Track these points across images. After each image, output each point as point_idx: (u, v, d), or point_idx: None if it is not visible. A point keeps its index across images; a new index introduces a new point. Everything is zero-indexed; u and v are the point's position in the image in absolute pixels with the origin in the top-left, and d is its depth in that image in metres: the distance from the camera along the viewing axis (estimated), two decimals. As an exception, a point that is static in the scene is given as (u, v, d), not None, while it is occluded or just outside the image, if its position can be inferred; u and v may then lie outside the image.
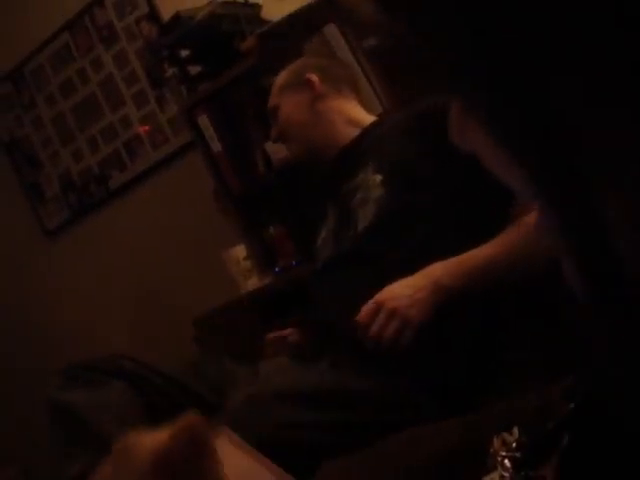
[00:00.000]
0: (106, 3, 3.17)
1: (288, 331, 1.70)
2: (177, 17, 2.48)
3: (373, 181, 1.52)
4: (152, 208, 3.23)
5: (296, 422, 1.28)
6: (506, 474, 0.60)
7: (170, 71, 2.78)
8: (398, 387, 1.34)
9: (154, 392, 1.49)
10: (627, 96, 0.26)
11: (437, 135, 1.39)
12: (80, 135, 3.38)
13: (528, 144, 0.30)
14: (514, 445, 0.61)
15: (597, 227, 0.28)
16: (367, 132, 1.67)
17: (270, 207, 2.65)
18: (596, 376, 0.39)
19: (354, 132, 1.68)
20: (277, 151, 2.42)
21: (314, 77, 1.71)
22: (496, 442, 0.63)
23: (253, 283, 2.57)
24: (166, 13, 2.89)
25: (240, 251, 2.60)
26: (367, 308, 1.33)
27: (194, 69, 2.72)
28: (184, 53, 2.69)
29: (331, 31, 2.30)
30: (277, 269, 2.54)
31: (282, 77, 1.79)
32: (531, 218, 1.31)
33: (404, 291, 1.32)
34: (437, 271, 1.34)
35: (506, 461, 0.60)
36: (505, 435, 0.63)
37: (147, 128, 3.19)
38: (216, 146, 2.57)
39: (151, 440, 0.54)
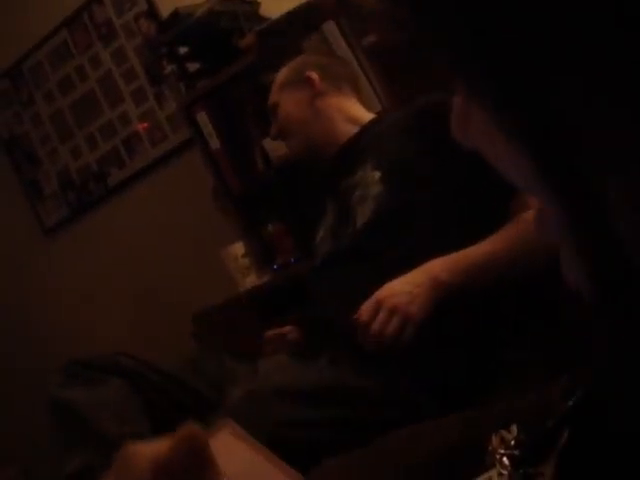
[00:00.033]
0: (105, 0, 3.16)
1: (287, 329, 1.70)
2: (176, 14, 2.48)
3: (372, 178, 1.52)
4: (151, 205, 3.23)
5: (295, 419, 1.28)
6: (504, 472, 0.60)
7: (169, 68, 2.78)
8: (397, 384, 1.34)
9: (152, 389, 1.49)
10: (627, 96, 0.26)
11: (436, 132, 1.40)
12: (79, 132, 3.37)
13: (529, 141, 0.30)
14: (513, 443, 0.61)
15: (598, 210, 0.28)
16: (366, 130, 1.67)
17: (269, 205, 2.65)
18: (596, 375, 0.39)
19: (353, 130, 1.68)
20: (276, 148, 2.42)
21: (314, 75, 1.72)
22: (494, 440, 0.63)
23: (251, 280, 2.57)
24: (165, 10, 2.89)
25: (238, 248, 2.60)
26: (367, 307, 1.32)
27: (193, 66, 2.72)
28: (183, 50, 2.68)
29: (330, 28, 2.30)
30: (275, 266, 2.54)
31: (282, 74, 1.79)
32: (530, 215, 1.31)
33: (403, 288, 1.32)
34: (436, 267, 1.34)
35: (504, 459, 0.60)
36: (504, 433, 0.63)
37: (146, 125, 3.19)
38: (215, 143, 2.57)
39: (151, 450, 0.54)
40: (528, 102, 0.29)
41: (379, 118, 1.73)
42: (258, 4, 2.65)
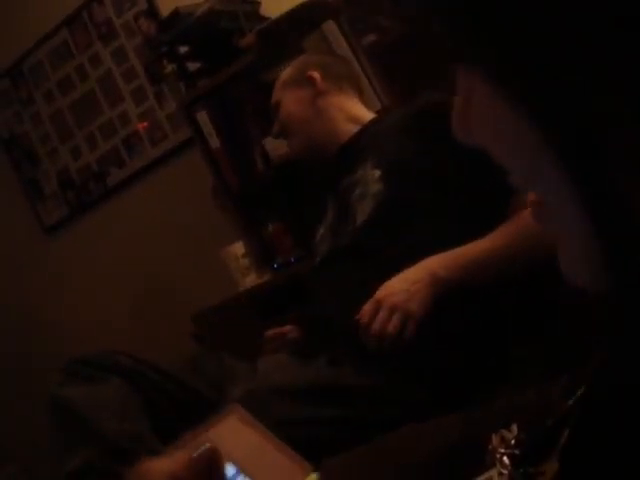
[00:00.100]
0: (105, 0, 3.16)
1: (287, 328, 1.70)
2: (176, 13, 2.48)
3: (372, 176, 1.52)
4: (151, 205, 3.23)
5: (295, 418, 1.28)
6: (504, 471, 0.60)
7: (169, 67, 2.77)
8: (397, 383, 1.34)
9: (152, 388, 1.49)
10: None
11: (435, 132, 1.40)
12: (78, 132, 3.37)
13: (541, 110, 0.30)
14: (513, 442, 0.61)
15: (612, 191, 0.28)
16: (366, 129, 1.67)
17: (269, 204, 2.64)
18: (601, 371, 0.39)
19: (354, 129, 1.69)
20: (276, 148, 2.42)
21: (316, 74, 1.72)
22: (495, 439, 0.63)
23: (251, 280, 2.57)
24: (165, 9, 2.88)
25: (238, 248, 2.60)
26: (367, 307, 1.33)
27: (193, 65, 2.72)
28: (183, 49, 2.68)
29: (330, 28, 2.30)
30: (275, 266, 2.54)
31: (285, 74, 1.80)
32: (529, 212, 1.31)
33: (402, 286, 1.32)
34: (434, 263, 1.34)
35: (505, 458, 0.60)
36: (504, 432, 0.63)
37: (146, 124, 3.18)
38: (215, 142, 2.56)
39: (168, 466, 0.55)
40: (539, 71, 0.29)
41: (379, 117, 1.73)
42: (258, 4, 2.65)
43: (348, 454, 0.95)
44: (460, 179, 1.43)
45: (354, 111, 1.73)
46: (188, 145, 2.98)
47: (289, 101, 1.75)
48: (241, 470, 0.73)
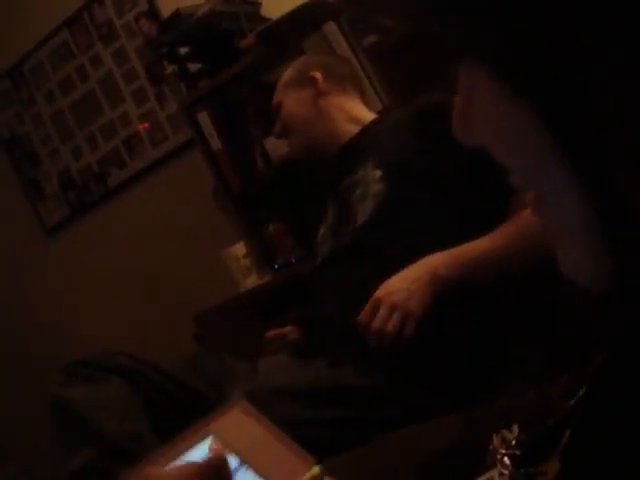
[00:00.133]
0: (106, 1, 3.16)
1: (288, 329, 1.70)
2: (177, 14, 2.48)
3: (372, 176, 1.52)
4: (151, 206, 3.23)
5: (295, 419, 1.28)
6: (505, 472, 0.60)
7: (169, 68, 2.78)
8: (397, 383, 1.34)
9: (152, 388, 1.49)
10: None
11: (436, 132, 1.40)
12: (79, 132, 3.37)
13: (545, 102, 0.30)
14: (514, 442, 0.61)
15: (614, 189, 0.28)
16: (367, 129, 1.67)
17: (269, 205, 2.65)
18: (604, 368, 0.39)
19: (355, 129, 1.69)
20: (277, 148, 2.42)
21: (318, 74, 1.72)
22: (495, 439, 0.63)
23: (252, 281, 2.57)
24: (166, 10, 2.89)
25: (239, 249, 2.60)
26: (367, 307, 1.33)
27: (194, 66, 2.72)
28: (184, 50, 2.68)
29: (331, 29, 2.30)
30: (276, 266, 2.54)
31: (287, 74, 1.80)
32: (529, 212, 1.31)
33: (402, 284, 1.32)
34: (434, 262, 1.34)
35: (505, 459, 0.60)
36: (505, 432, 0.63)
37: (146, 125, 3.18)
38: (216, 143, 2.56)
39: (179, 473, 0.55)
40: (540, 68, 0.29)
41: (380, 118, 1.73)
42: (259, 4, 2.65)
43: (348, 455, 0.95)
44: (460, 179, 1.43)
45: (355, 112, 1.73)
46: (189, 146, 2.98)
47: (291, 101, 1.75)
48: (244, 462, 0.74)
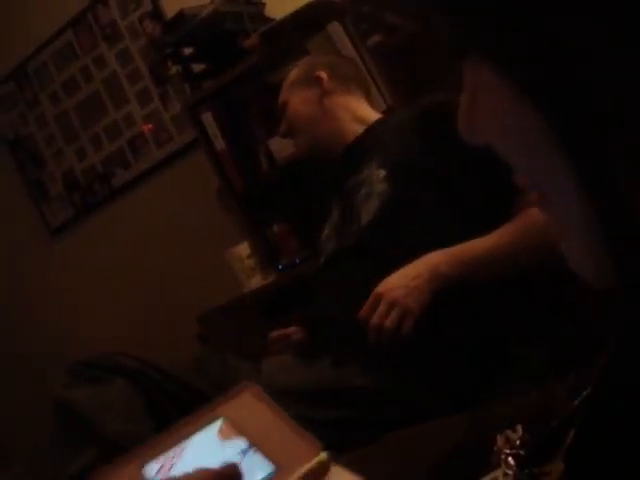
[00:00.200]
0: (110, 1, 3.17)
1: (291, 329, 1.70)
2: (181, 15, 2.48)
3: (377, 176, 1.52)
4: (156, 206, 3.23)
5: (299, 419, 1.28)
6: (510, 472, 0.59)
7: (174, 69, 2.78)
8: (401, 383, 1.33)
9: (155, 389, 1.49)
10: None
11: (439, 132, 1.40)
12: (84, 133, 3.38)
13: (548, 95, 0.30)
14: (518, 443, 0.61)
15: (618, 195, 0.28)
16: (372, 129, 1.68)
17: (273, 205, 2.65)
18: (608, 368, 0.39)
19: (360, 129, 1.69)
20: (281, 149, 2.42)
21: (323, 74, 1.73)
22: (500, 440, 0.62)
23: (256, 281, 2.57)
24: (170, 11, 2.89)
25: (243, 249, 2.60)
26: (368, 302, 1.33)
27: (198, 67, 2.72)
28: (188, 51, 2.69)
29: (335, 29, 2.30)
30: (280, 267, 2.54)
31: (292, 74, 1.80)
32: (534, 211, 1.31)
33: (401, 281, 1.32)
34: (435, 259, 1.34)
35: (510, 459, 0.60)
36: (509, 433, 0.62)
37: (151, 126, 3.19)
38: (220, 144, 2.57)
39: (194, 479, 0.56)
40: (541, 64, 0.29)
41: (384, 118, 1.73)
42: (263, 5, 2.65)
43: (352, 455, 0.95)
44: (465, 179, 1.43)
45: (360, 111, 1.74)
46: (193, 146, 2.99)
47: (296, 101, 1.75)
48: (252, 445, 0.75)
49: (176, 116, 3.07)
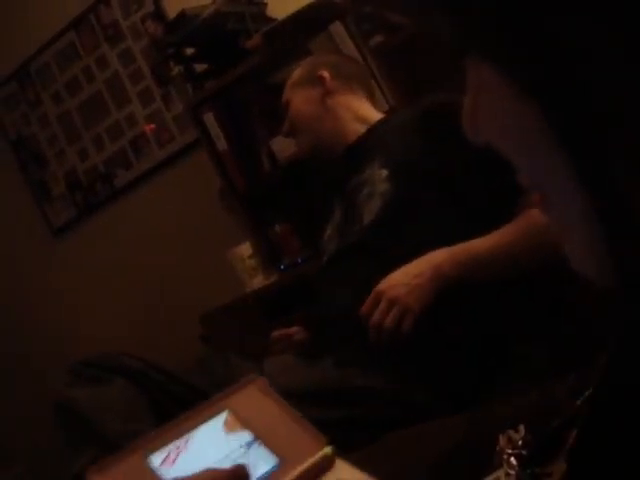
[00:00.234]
0: (112, 2, 3.17)
1: (293, 329, 1.70)
2: (182, 15, 2.48)
3: (379, 176, 1.52)
4: (158, 206, 3.23)
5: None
6: (512, 472, 0.59)
7: (176, 69, 2.78)
8: (402, 384, 1.33)
9: (158, 389, 1.49)
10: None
11: (441, 132, 1.40)
12: (86, 133, 3.38)
13: (548, 94, 0.30)
14: (520, 443, 0.61)
15: (617, 194, 0.28)
16: (374, 129, 1.68)
17: (275, 205, 2.65)
18: (610, 369, 0.39)
19: (362, 129, 1.69)
20: (283, 149, 2.42)
21: (326, 73, 1.73)
22: (502, 440, 0.62)
23: (258, 281, 2.57)
24: (171, 11, 2.89)
25: (245, 249, 2.60)
26: (369, 299, 1.34)
27: (200, 67, 2.72)
28: (190, 51, 2.69)
29: (337, 29, 2.30)
30: (282, 267, 2.54)
31: (295, 73, 1.80)
32: (536, 212, 1.31)
33: (403, 279, 1.33)
34: (437, 258, 1.34)
35: (512, 459, 0.60)
36: (511, 433, 0.62)
37: (153, 126, 3.19)
38: (222, 144, 2.57)
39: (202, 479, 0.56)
40: (540, 64, 0.29)
41: (387, 117, 1.74)
42: (265, 5, 2.65)
43: (354, 455, 0.95)
44: (467, 179, 1.43)
45: (362, 111, 1.74)
46: (195, 147, 2.98)
47: (299, 100, 1.75)
48: (257, 437, 0.75)
49: (178, 116, 3.07)
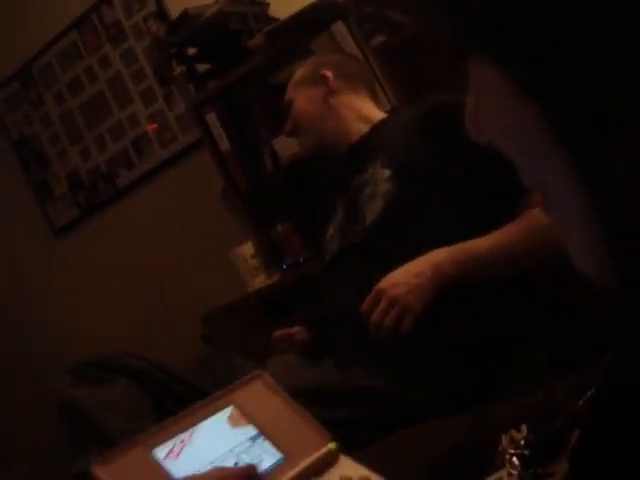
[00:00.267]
0: (114, 1, 3.17)
1: (295, 329, 1.70)
2: (185, 15, 2.48)
3: (381, 176, 1.52)
4: (160, 206, 3.23)
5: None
6: (514, 472, 0.59)
7: (178, 69, 2.78)
8: (404, 384, 1.33)
9: (161, 389, 1.49)
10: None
11: (443, 132, 1.40)
12: (88, 133, 3.38)
13: (549, 94, 0.30)
14: (522, 443, 0.61)
15: (618, 195, 0.28)
16: (376, 128, 1.68)
17: (278, 205, 2.65)
18: (611, 369, 0.39)
19: (365, 128, 1.69)
20: (285, 149, 2.42)
21: (328, 73, 1.73)
22: (504, 440, 0.62)
23: (261, 281, 2.57)
24: (174, 11, 2.89)
25: (248, 249, 2.60)
26: (369, 297, 1.34)
27: (202, 67, 2.72)
28: (192, 51, 2.69)
29: (339, 29, 2.30)
30: (284, 266, 2.54)
31: (298, 72, 1.80)
32: (538, 211, 1.31)
33: (403, 278, 1.33)
34: (438, 257, 1.35)
35: (514, 459, 0.60)
36: (513, 433, 0.62)
37: (155, 126, 3.19)
38: (224, 144, 2.57)
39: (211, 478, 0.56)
40: (540, 65, 0.29)
41: (389, 117, 1.73)
42: (267, 5, 2.65)
43: (355, 455, 0.95)
44: (469, 179, 1.43)
45: (364, 110, 1.73)
46: (197, 146, 2.99)
47: (301, 99, 1.76)
48: (261, 433, 0.75)
49: (180, 116, 3.07)
